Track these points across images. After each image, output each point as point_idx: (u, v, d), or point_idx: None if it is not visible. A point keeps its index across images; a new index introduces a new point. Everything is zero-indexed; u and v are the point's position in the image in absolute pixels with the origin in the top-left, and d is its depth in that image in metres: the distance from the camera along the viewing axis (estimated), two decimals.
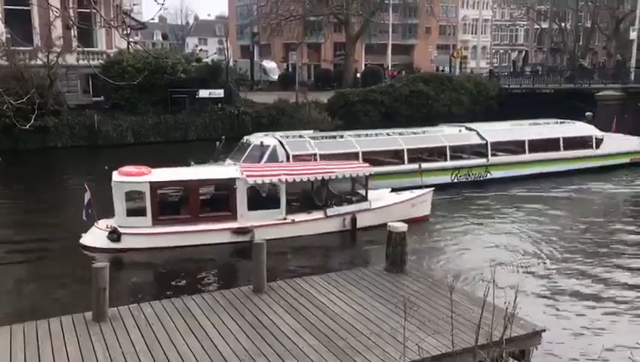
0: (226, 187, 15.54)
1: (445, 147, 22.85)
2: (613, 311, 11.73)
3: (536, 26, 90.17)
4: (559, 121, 27.84)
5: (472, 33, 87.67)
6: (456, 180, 22.76)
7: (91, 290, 8.82)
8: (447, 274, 13.39)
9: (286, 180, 15.60)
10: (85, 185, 15.57)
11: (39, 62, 28.84)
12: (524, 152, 24.36)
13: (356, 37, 52.29)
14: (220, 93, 34.19)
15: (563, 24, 72.06)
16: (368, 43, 69.51)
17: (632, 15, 53.39)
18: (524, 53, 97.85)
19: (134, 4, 54.98)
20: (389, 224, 11.32)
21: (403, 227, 10.96)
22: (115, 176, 14.91)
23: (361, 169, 17.05)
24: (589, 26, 72.12)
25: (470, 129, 24.68)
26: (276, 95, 38.31)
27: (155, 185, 14.76)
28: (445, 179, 22.21)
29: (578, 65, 54.57)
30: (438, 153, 23.04)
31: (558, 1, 73.67)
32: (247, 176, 15.23)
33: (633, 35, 48.71)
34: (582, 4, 69.29)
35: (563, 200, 21.66)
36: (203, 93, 33.55)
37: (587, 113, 37.55)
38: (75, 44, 26.91)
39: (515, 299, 5.40)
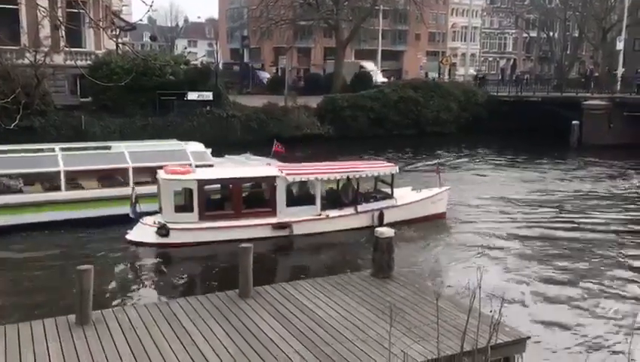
0: (266, 184, 16.58)
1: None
2: (598, 318, 11.80)
3: (524, 35, 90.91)
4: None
5: (461, 40, 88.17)
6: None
7: (74, 293, 8.73)
8: (434, 280, 13.43)
9: (321, 178, 16.64)
10: (132, 184, 16.46)
11: (26, 61, 28.53)
12: (59, 188, 17.08)
13: (346, 42, 52.27)
14: (208, 95, 33.98)
15: (551, 33, 72.61)
16: (358, 48, 69.69)
17: (619, 25, 53.98)
18: (512, 61, 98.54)
19: (124, 5, 54.58)
20: (375, 229, 11.38)
21: (389, 232, 10.99)
22: (163, 174, 15.68)
23: (387, 168, 18.15)
24: (576, 35, 72.79)
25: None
26: (266, 99, 38.24)
27: (202, 183, 15.63)
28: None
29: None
30: None
31: (546, 10, 74.29)
32: (287, 174, 16.27)
33: (620, 45, 49.26)
34: (570, 13, 69.94)
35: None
36: (192, 95, 33.32)
37: (574, 122, 37.95)
38: (62, 44, 26.62)
39: (501, 307, 5.40)
